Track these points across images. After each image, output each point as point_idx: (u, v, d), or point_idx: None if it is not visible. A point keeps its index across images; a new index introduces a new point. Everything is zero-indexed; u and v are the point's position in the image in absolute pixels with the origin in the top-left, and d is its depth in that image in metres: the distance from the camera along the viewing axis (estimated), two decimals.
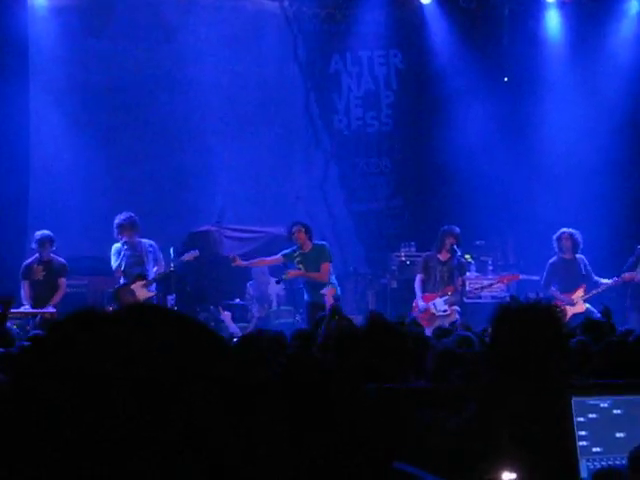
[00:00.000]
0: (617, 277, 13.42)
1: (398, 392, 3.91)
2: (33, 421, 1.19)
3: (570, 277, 13.42)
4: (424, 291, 13.40)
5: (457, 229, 13.44)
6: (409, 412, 3.66)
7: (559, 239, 13.49)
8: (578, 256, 13.47)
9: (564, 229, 13.55)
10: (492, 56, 17.11)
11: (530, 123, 16.79)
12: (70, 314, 1.36)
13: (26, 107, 15.60)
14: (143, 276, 13.10)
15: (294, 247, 13.11)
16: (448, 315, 13.08)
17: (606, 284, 13.41)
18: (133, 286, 13.01)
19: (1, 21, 15.34)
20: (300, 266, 13.00)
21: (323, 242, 13.42)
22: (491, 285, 14.44)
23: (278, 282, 13.54)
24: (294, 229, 13.09)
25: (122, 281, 13.16)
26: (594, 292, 13.34)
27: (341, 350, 4.26)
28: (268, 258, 13.51)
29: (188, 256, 13.54)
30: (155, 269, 13.20)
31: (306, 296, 13.20)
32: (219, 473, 1.22)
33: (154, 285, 13.30)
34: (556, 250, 13.57)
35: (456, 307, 13.29)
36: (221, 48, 16.57)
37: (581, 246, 13.46)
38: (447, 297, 13.28)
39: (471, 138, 16.56)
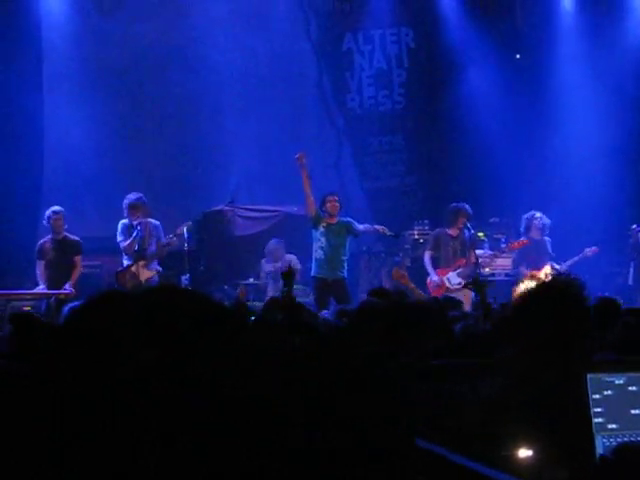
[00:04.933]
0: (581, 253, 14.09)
1: (418, 368, 3.92)
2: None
3: (538, 256, 13.93)
4: (436, 267, 13.48)
5: (468, 207, 13.51)
6: (428, 388, 3.67)
7: (531, 220, 14.05)
8: (546, 238, 14.04)
9: (535, 212, 14.11)
10: (505, 33, 17.05)
11: (543, 101, 16.72)
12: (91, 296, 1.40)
13: (39, 87, 15.62)
14: (143, 256, 12.98)
15: (324, 214, 13.07)
16: (462, 287, 13.13)
17: (572, 260, 13.95)
18: (134, 268, 12.89)
19: (14, 1, 15.37)
20: (322, 238, 12.91)
21: (349, 218, 13.32)
22: (502, 252, 14.47)
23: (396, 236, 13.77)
24: (331, 197, 13.03)
25: (126, 261, 13.07)
26: (561, 268, 13.66)
27: (361, 326, 4.28)
28: (310, 194, 13.11)
29: (179, 230, 13.34)
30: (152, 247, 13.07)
31: (315, 271, 13.07)
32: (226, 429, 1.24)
33: (155, 263, 13.21)
34: (523, 231, 14.12)
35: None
36: (233, 26, 16.55)
37: (548, 229, 14.07)
38: (460, 270, 13.36)
39: (484, 116, 16.52)
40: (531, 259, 13.83)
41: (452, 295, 12.16)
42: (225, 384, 1.28)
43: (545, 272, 13.51)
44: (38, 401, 1.25)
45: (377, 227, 13.49)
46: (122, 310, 1.35)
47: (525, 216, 14.15)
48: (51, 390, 1.24)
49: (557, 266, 13.73)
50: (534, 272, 13.25)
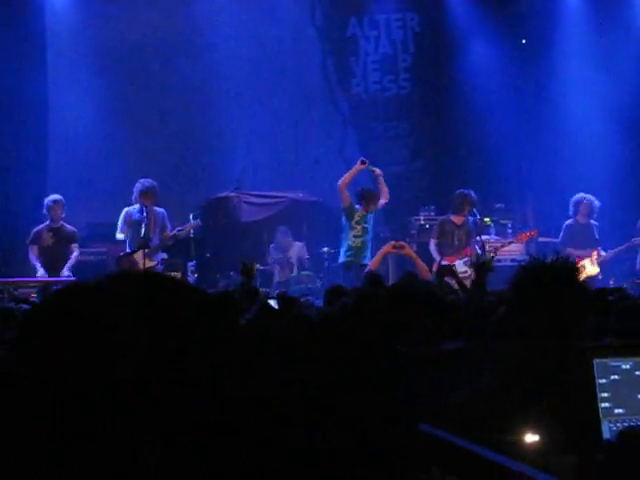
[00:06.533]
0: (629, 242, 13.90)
1: (421, 354, 3.92)
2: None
3: (585, 240, 13.82)
4: (441, 255, 13.42)
5: (474, 194, 13.47)
6: (432, 374, 3.67)
7: (578, 203, 13.89)
8: (592, 222, 13.93)
9: (583, 194, 13.94)
10: (510, 18, 16.99)
11: (550, 86, 16.66)
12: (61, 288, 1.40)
13: (44, 74, 15.63)
14: (148, 245, 12.91)
15: (358, 207, 13.18)
16: (469, 276, 13.06)
17: (619, 248, 13.89)
18: (136, 255, 12.83)
19: None
20: (358, 226, 13.07)
21: None
22: (510, 243, 14.37)
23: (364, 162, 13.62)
24: (375, 199, 13.27)
25: (128, 248, 13.03)
26: (608, 255, 13.60)
27: (361, 312, 4.27)
28: (345, 189, 13.24)
29: (188, 226, 13.30)
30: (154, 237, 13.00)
31: (349, 257, 13.17)
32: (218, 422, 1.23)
33: (159, 254, 13.15)
34: (571, 214, 13.99)
35: None
36: (238, 12, 16.53)
37: (596, 213, 13.92)
38: (466, 259, 13.29)
39: (490, 101, 16.48)
40: (577, 242, 13.74)
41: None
42: (225, 383, 1.27)
43: (592, 257, 13.61)
44: (36, 398, 1.24)
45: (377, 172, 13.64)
46: (117, 292, 1.33)
47: (573, 199, 14.00)
48: (50, 385, 1.23)
49: (604, 253, 13.74)
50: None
